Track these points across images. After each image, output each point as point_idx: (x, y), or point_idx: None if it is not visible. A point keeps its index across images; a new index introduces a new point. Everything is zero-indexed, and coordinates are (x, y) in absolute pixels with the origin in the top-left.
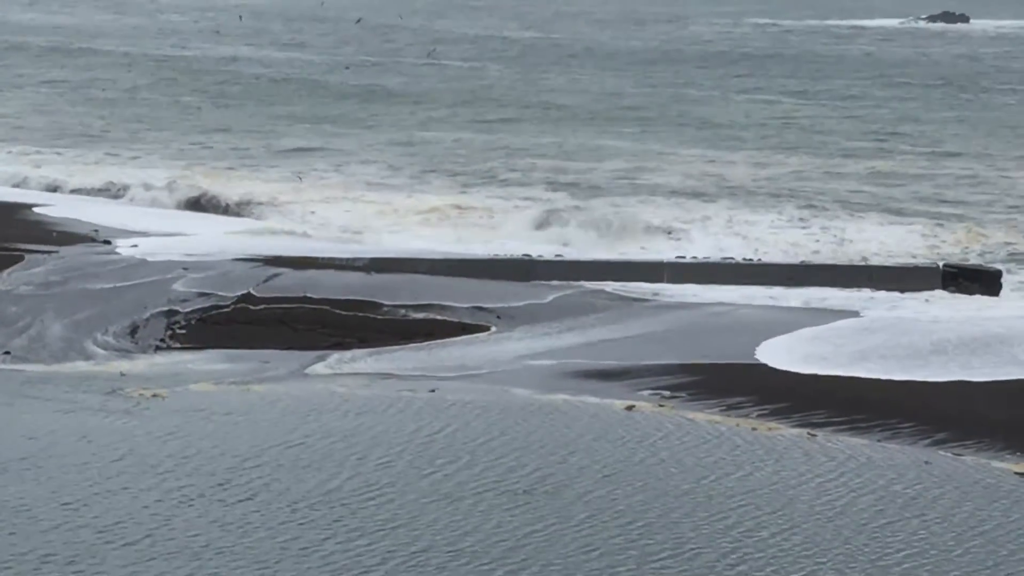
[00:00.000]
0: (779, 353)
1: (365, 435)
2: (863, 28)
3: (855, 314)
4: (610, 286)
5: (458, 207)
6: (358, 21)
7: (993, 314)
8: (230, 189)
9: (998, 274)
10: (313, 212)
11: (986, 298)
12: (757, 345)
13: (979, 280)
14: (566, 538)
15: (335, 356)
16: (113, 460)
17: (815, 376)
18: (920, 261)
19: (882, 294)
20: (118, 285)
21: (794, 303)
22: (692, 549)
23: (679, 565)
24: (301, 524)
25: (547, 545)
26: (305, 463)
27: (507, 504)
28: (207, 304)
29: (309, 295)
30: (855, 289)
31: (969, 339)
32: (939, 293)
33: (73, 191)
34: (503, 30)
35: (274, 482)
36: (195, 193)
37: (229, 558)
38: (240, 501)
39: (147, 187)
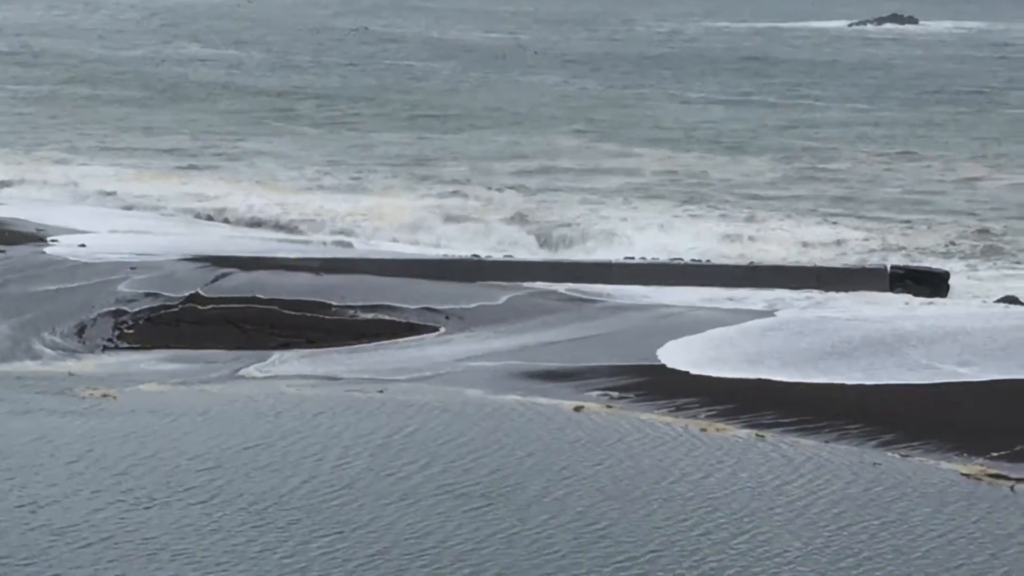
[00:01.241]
0: (678, 354)
1: (320, 436)
2: (815, 30)
3: (770, 314)
4: (563, 287)
5: (404, 207)
6: (250, 1)
7: (919, 313)
8: (177, 189)
9: (945, 275)
10: (260, 212)
11: (918, 298)
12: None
13: (926, 281)
14: (527, 539)
15: (283, 356)
16: (69, 461)
17: (764, 379)
18: (868, 262)
19: (831, 292)
20: (65, 285)
21: (758, 305)
22: (652, 551)
23: (639, 567)
24: (257, 527)
25: (508, 547)
26: (262, 464)
27: (467, 506)
28: (155, 304)
29: (258, 295)
30: (804, 290)
31: (876, 341)
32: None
33: (20, 190)
34: (449, 31)
35: (231, 484)
36: (141, 194)
37: (186, 560)
38: (198, 503)
39: (93, 187)
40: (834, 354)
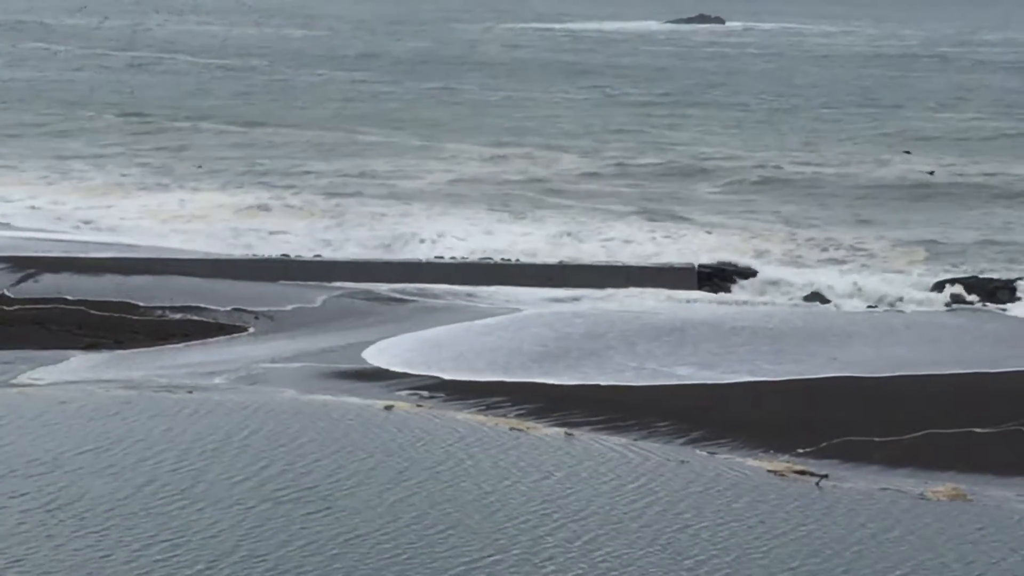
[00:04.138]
0: (380, 355)
1: (138, 439)
2: (631, 32)
3: (517, 310)
4: (385, 287)
5: (214, 207)
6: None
7: (680, 308)
8: None
9: (753, 273)
10: (70, 213)
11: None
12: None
13: (734, 279)
14: (355, 541)
15: (91, 357)
16: None
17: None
18: (676, 261)
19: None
20: None
21: (579, 302)
22: (476, 551)
23: (454, 566)
24: (90, 531)
25: (321, 546)
26: (89, 468)
27: (298, 510)
28: None
29: (65, 296)
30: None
31: (596, 336)
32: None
33: None
34: (264, 29)
35: (63, 488)
36: None
37: (24, 568)
38: (33, 509)
39: None
40: (548, 356)
